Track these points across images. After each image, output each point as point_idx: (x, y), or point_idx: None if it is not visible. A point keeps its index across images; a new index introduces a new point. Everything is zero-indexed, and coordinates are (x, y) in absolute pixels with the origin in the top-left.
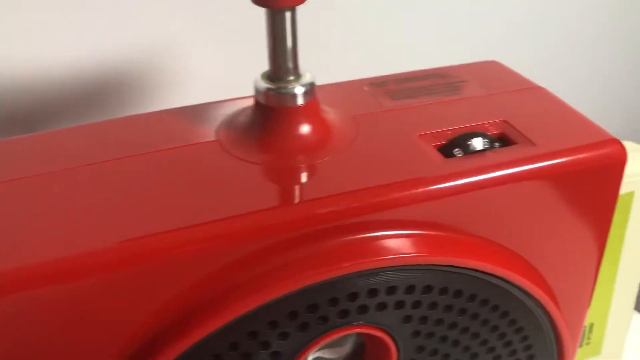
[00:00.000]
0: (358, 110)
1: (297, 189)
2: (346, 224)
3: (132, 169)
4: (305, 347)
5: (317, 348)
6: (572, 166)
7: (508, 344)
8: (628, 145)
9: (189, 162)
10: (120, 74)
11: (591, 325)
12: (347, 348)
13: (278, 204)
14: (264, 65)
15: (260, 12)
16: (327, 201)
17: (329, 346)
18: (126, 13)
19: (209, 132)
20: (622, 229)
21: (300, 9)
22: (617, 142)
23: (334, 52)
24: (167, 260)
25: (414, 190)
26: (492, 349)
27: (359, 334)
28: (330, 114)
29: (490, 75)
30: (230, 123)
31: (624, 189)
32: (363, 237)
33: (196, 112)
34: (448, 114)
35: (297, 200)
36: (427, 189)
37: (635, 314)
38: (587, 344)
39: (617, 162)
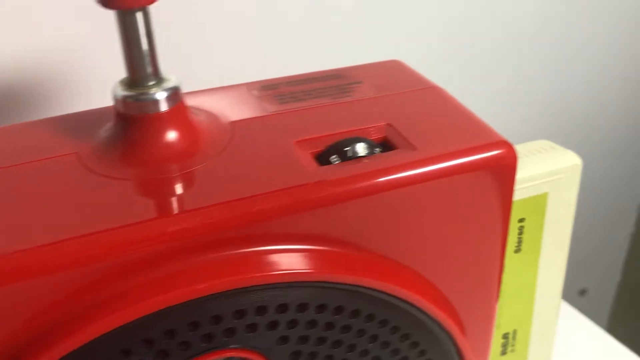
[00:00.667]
0: (238, 116)
1: (153, 202)
2: (204, 241)
3: None
4: None
5: None
6: (454, 170)
7: None
8: (543, 143)
9: (42, 178)
10: (21, 81)
11: (514, 332)
12: None
13: (133, 220)
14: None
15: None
16: (175, 218)
17: None
18: (27, 15)
19: (67, 145)
20: (538, 231)
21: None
22: (505, 144)
23: (234, 55)
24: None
25: (278, 202)
26: None
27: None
28: (203, 120)
29: (388, 76)
30: (92, 135)
31: (538, 190)
32: (224, 255)
33: (59, 124)
34: (332, 118)
35: (149, 216)
36: (293, 199)
37: (565, 320)
38: (512, 351)
39: (505, 164)
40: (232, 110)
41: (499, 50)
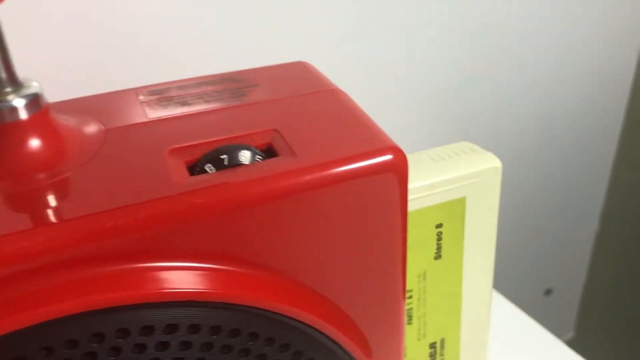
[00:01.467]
0: (115, 123)
1: (12, 215)
2: (65, 256)
3: None
4: None
5: None
6: (338, 178)
7: None
8: (462, 145)
9: None
10: None
11: (442, 341)
12: None
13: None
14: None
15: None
16: (30, 233)
17: None
18: None
19: None
20: (458, 236)
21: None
22: (395, 149)
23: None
24: None
25: (140, 214)
26: None
27: None
28: (72, 127)
29: (288, 78)
30: None
31: (455, 194)
32: (91, 271)
33: None
34: (215, 124)
35: (19, 227)
36: (157, 211)
37: (501, 329)
38: None
39: (395, 170)
40: (111, 117)
41: (420, 52)
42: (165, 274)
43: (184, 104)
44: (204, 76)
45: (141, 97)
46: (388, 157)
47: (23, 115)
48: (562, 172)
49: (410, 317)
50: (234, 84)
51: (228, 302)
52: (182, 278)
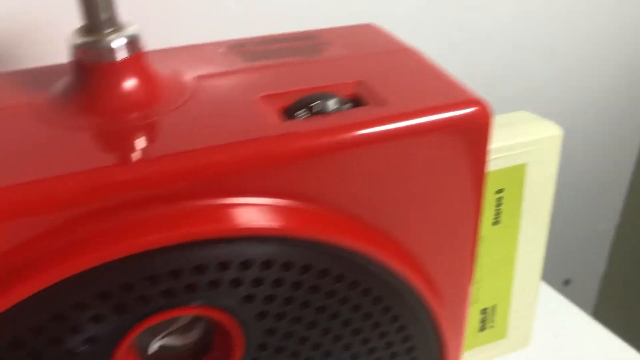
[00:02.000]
0: (203, 71)
1: (109, 151)
2: (162, 192)
3: None
4: (127, 331)
5: (151, 333)
6: (426, 127)
7: (378, 329)
8: (523, 114)
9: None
10: None
11: (494, 307)
12: (195, 333)
13: (86, 168)
14: None
15: None
16: (131, 167)
17: (175, 332)
18: None
19: (21, 97)
20: (517, 202)
21: None
22: (480, 103)
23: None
24: None
25: (239, 154)
26: (358, 332)
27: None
28: (165, 72)
29: (360, 38)
30: (48, 87)
31: (516, 160)
32: (183, 206)
33: (13, 78)
34: (300, 75)
35: (104, 164)
36: (254, 152)
37: (545, 297)
38: (491, 327)
39: (479, 123)
40: (197, 65)
41: (485, 24)
42: (262, 210)
43: (266, 57)
44: (276, 34)
45: (221, 50)
46: (475, 108)
47: (120, 55)
48: (584, 164)
49: None
50: (307, 42)
51: (320, 241)
52: (277, 216)
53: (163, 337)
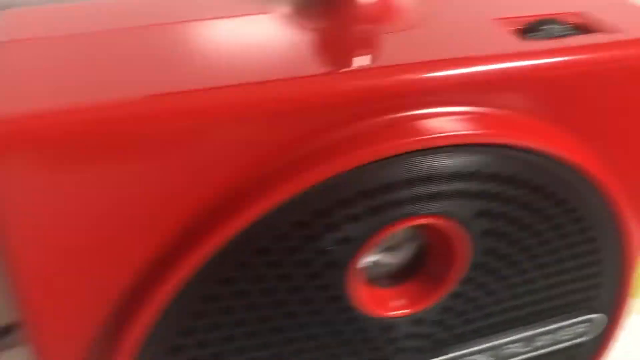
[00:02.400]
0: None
1: (364, 56)
2: (411, 99)
3: (182, 34)
4: (375, 232)
5: (383, 240)
6: None
7: (569, 240)
8: None
9: (239, 30)
10: None
11: None
12: (403, 254)
13: (319, 72)
14: None
15: None
16: (393, 70)
17: (387, 249)
18: None
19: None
20: None
21: None
22: None
23: None
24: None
25: (490, 66)
26: (555, 251)
27: (421, 235)
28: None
29: None
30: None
31: None
32: (436, 112)
33: None
34: (528, 3)
35: (363, 65)
36: (503, 65)
37: None
38: None
39: None
40: None
41: None
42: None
43: None
44: None
45: None
46: None
47: None
48: None
49: None
50: None
51: (536, 152)
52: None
53: (377, 254)
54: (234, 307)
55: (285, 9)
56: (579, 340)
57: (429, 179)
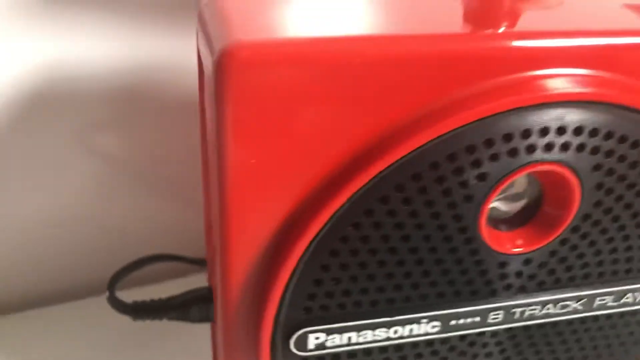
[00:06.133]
0: None
1: (503, 24)
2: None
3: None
4: (512, 172)
5: (513, 183)
6: None
7: None
8: None
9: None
10: None
11: None
12: (520, 204)
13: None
14: None
15: None
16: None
17: (505, 199)
18: None
19: None
20: None
21: None
22: None
23: None
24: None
25: (601, 39)
26: None
27: (537, 186)
28: None
29: None
30: None
31: None
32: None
33: None
34: None
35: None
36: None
37: None
38: None
39: None
40: None
41: None
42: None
43: None
44: None
45: None
46: None
47: None
48: None
49: None
50: None
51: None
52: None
53: (496, 201)
54: (379, 230)
55: None
56: None
57: (558, 130)
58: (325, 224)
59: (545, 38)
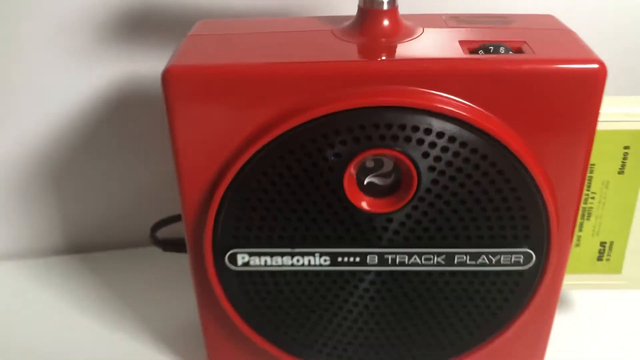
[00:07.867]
0: (428, 25)
1: (364, 53)
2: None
3: (279, 38)
4: (356, 154)
5: (365, 160)
6: (556, 72)
7: (498, 208)
8: None
9: (301, 36)
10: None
11: (611, 244)
12: (390, 180)
13: (360, 59)
14: None
15: None
16: (375, 63)
17: (380, 175)
18: None
19: (326, 27)
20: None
21: None
22: (599, 62)
23: None
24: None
25: (440, 66)
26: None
27: (397, 168)
28: (406, 21)
29: (536, 20)
30: (342, 22)
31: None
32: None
33: (321, 19)
34: (487, 35)
35: (359, 58)
36: (449, 66)
37: None
38: (607, 260)
39: (596, 77)
40: (425, 23)
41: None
42: (443, 101)
43: (469, 23)
44: (478, 13)
45: (442, 17)
46: (594, 65)
47: (385, 7)
48: None
49: (589, 215)
50: (498, 18)
51: (485, 132)
52: (453, 105)
53: (372, 177)
54: (274, 187)
55: (338, 28)
56: (517, 268)
57: (389, 126)
58: (235, 178)
59: (382, 63)
